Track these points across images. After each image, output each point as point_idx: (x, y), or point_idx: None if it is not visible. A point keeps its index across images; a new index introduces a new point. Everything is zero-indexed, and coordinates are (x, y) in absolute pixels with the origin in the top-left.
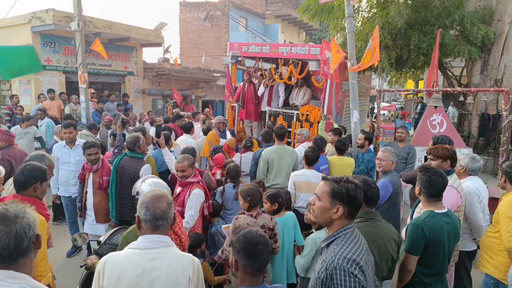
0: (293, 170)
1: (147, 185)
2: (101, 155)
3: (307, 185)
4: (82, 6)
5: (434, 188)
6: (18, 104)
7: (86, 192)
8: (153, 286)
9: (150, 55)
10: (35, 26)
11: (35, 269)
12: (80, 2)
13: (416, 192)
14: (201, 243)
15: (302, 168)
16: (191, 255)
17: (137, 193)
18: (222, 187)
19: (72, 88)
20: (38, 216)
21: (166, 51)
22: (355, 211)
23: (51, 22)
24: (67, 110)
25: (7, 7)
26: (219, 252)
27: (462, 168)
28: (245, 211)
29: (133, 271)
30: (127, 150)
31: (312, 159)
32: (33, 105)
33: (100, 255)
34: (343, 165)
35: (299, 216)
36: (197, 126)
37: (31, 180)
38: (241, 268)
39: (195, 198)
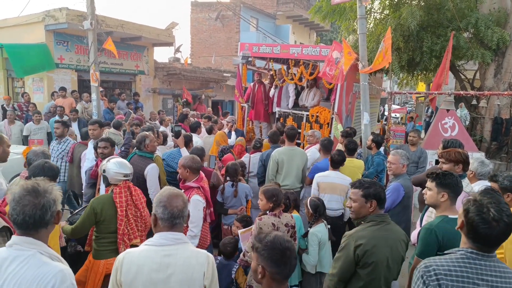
0: (303, 171)
1: (112, 163)
2: (116, 153)
3: (331, 186)
4: (95, 5)
5: (460, 188)
6: (31, 102)
7: (99, 189)
8: (169, 281)
9: (161, 55)
10: (48, 25)
11: None
12: (93, 1)
13: (442, 199)
14: (236, 248)
15: (313, 169)
16: (205, 251)
17: (104, 170)
18: (222, 186)
19: (84, 86)
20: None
21: (177, 50)
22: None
23: (64, 20)
24: (78, 108)
25: (21, 5)
26: (241, 255)
27: (472, 173)
28: (268, 212)
29: (150, 267)
30: (135, 149)
31: (337, 161)
32: (45, 103)
33: (70, 223)
34: (353, 167)
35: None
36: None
37: (51, 178)
38: (269, 275)
39: (195, 206)
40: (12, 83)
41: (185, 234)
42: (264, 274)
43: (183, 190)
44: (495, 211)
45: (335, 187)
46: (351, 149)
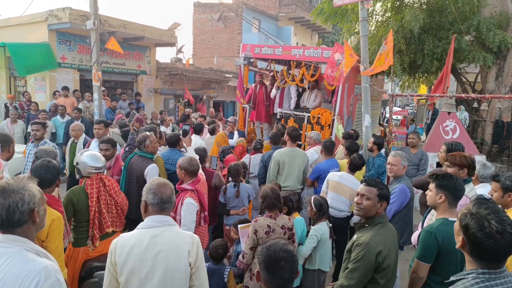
0: (304, 173)
1: (85, 157)
2: (118, 153)
3: (341, 187)
4: (98, 5)
5: (460, 192)
6: (32, 101)
7: None
8: (156, 259)
9: (163, 55)
10: (51, 24)
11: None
12: (96, 1)
13: (440, 200)
14: (227, 251)
15: (314, 170)
16: (191, 233)
17: (77, 163)
18: (224, 186)
19: (86, 86)
20: (51, 209)
21: (179, 51)
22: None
23: (67, 20)
24: (80, 107)
25: (25, 5)
26: (240, 256)
27: (474, 176)
28: (262, 212)
29: (139, 246)
30: (137, 149)
31: (357, 165)
32: (47, 102)
33: None
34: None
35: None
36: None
37: (56, 177)
38: (263, 281)
39: (187, 209)
40: (15, 82)
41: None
42: (259, 279)
43: (178, 192)
44: (497, 222)
45: (345, 189)
46: (352, 150)
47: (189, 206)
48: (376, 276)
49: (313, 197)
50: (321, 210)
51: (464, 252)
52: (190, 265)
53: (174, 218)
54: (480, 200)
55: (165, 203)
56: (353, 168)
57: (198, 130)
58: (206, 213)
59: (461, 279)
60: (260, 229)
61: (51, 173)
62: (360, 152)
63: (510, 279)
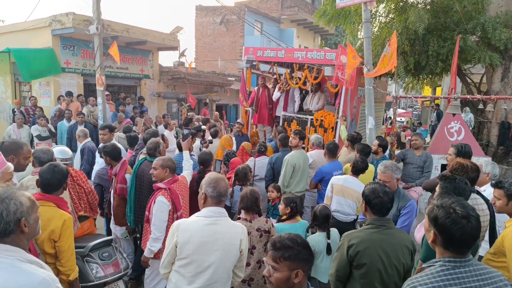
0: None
1: (55, 150)
2: (124, 158)
3: (346, 191)
4: (101, 10)
5: (463, 195)
6: (38, 105)
7: (110, 191)
8: (215, 243)
9: (166, 59)
10: (55, 29)
11: (64, 265)
12: (99, 6)
13: None
14: None
15: (317, 172)
16: (241, 224)
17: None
18: (231, 189)
19: (89, 90)
20: (61, 211)
21: (182, 55)
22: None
23: (70, 25)
24: (84, 112)
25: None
26: None
27: (487, 175)
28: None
29: (201, 232)
30: (147, 154)
31: (360, 169)
32: (52, 107)
33: None
34: (368, 171)
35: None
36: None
37: (63, 180)
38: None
39: (158, 207)
40: (20, 87)
41: (148, 238)
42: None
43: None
44: (461, 208)
45: (350, 193)
46: (367, 153)
47: (160, 205)
48: (354, 271)
49: (319, 206)
50: (326, 221)
51: (436, 247)
52: (241, 252)
53: (148, 217)
54: (443, 194)
55: (222, 196)
56: (356, 171)
57: (195, 134)
58: (180, 213)
59: (430, 266)
60: None
61: (56, 177)
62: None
63: (475, 268)
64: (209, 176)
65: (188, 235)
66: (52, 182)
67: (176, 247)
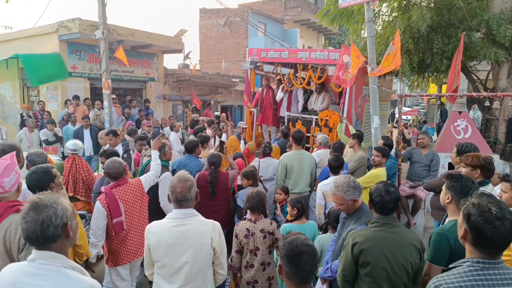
0: (311, 175)
1: (67, 142)
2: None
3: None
4: (107, 15)
5: (465, 194)
6: (46, 110)
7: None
8: (184, 244)
9: (171, 61)
10: (62, 35)
11: (83, 248)
12: (104, 11)
13: (447, 200)
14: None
15: (323, 172)
16: (212, 220)
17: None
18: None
19: (96, 94)
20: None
21: (186, 57)
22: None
23: (77, 30)
24: (91, 115)
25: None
26: (229, 260)
27: (498, 175)
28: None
29: (169, 234)
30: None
31: (335, 167)
32: (59, 111)
33: None
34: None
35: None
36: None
37: (47, 182)
38: (285, 274)
39: (93, 213)
40: (28, 92)
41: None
42: (281, 272)
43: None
44: (497, 209)
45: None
46: (340, 149)
47: (95, 210)
48: (360, 270)
49: (332, 208)
50: (335, 220)
51: (466, 244)
52: (214, 249)
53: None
54: (483, 193)
55: (181, 201)
56: (333, 170)
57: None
58: (119, 219)
59: (457, 266)
60: (240, 233)
61: (37, 180)
62: (370, 152)
63: (505, 272)
64: (174, 177)
65: (157, 238)
66: (33, 184)
67: (150, 249)
